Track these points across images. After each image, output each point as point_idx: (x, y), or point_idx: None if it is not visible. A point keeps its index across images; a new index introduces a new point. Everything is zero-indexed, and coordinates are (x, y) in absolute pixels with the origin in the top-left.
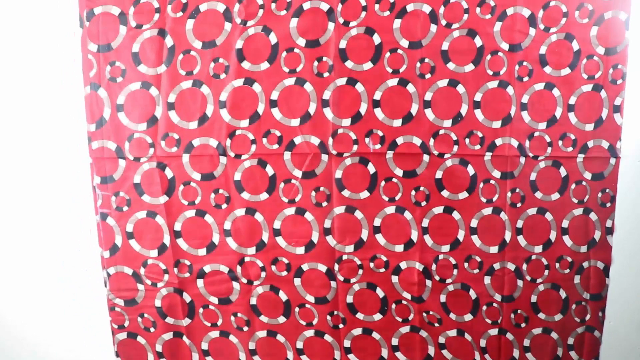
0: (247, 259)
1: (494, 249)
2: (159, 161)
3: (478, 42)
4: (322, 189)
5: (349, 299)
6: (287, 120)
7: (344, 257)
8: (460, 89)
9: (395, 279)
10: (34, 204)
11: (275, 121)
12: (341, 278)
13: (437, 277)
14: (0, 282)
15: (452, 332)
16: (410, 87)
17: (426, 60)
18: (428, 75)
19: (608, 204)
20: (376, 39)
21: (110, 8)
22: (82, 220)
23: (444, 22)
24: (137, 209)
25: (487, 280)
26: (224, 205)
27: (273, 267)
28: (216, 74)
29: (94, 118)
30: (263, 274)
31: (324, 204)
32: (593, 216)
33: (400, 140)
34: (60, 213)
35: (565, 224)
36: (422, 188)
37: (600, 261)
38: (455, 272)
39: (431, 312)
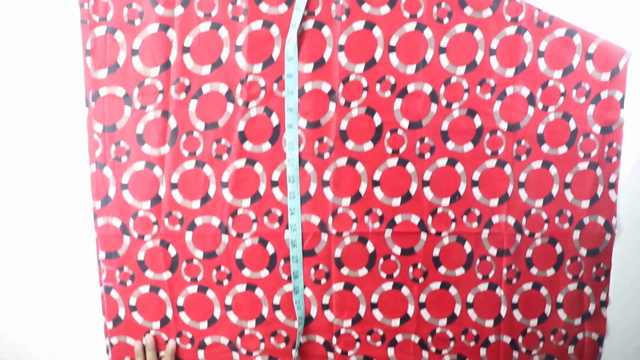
0: (246, 331)
1: (489, 323)
2: (163, 239)
3: (477, 121)
4: (321, 266)
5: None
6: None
7: (342, 331)
8: (459, 168)
9: (391, 351)
10: (42, 272)
11: (276, 201)
12: (339, 350)
13: (433, 349)
14: None
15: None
16: (410, 167)
17: (426, 140)
18: (427, 155)
19: (602, 278)
20: (377, 119)
21: (115, 89)
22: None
23: (444, 102)
24: (140, 283)
25: (482, 351)
26: (226, 282)
27: (272, 340)
28: (218, 154)
29: (100, 195)
30: (262, 345)
31: (323, 280)
32: (587, 290)
33: (398, 219)
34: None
35: (560, 298)
36: (419, 265)
37: (595, 332)
38: (451, 344)
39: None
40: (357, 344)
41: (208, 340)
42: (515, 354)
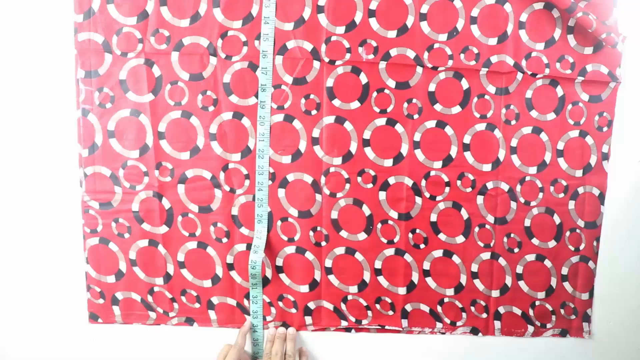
0: (231, 165)
1: (487, 167)
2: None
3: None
4: (312, 96)
5: (334, 214)
6: (281, 24)
7: (332, 169)
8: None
9: (383, 195)
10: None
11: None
12: (327, 192)
13: (427, 194)
14: None
15: (438, 253)
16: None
17: (413, 100)
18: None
19: (605, 129)
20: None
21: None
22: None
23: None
24: (121, 106)
25: (479, 200)
26: (211, 108)
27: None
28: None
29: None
30: (247, 182)
31: (313, 112)
32: (589, 140)
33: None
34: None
35: (560, 145)
36: (414, 100)
37: (596, 187)
38: (447, 189)
39: (418, 231)
40: (347, 185)
41: (189, 173)
42: (514, 205)
